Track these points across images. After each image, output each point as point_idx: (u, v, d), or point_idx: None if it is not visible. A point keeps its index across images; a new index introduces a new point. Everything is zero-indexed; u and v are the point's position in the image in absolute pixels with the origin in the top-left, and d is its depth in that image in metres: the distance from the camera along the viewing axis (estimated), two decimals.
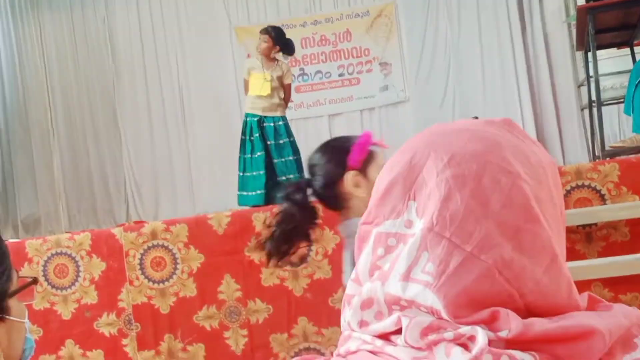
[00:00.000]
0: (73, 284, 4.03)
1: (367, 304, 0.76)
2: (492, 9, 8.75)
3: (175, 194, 9.13)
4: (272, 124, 6.17)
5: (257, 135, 6.13)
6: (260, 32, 6.33)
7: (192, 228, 3.95)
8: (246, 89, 6.37)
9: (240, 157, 6.28)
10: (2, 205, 8.72)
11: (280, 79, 6.23)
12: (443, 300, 0.71)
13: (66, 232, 5.97)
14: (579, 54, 7.00)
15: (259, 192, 6.06)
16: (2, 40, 9.07)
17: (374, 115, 9.10)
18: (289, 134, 6.25)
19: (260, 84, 6.16)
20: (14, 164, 8.97)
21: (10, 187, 8.87)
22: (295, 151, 6.26)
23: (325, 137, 8.88)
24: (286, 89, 6.31)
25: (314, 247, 3.80)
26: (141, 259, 3.96)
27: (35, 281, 1.24)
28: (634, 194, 3.46)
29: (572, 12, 7.31)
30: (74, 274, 4.03)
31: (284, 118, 6.26)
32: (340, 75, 9.15)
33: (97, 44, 9.33)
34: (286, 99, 6.33)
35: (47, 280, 4.05)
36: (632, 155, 4.02)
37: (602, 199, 3.43)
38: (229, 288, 3.87)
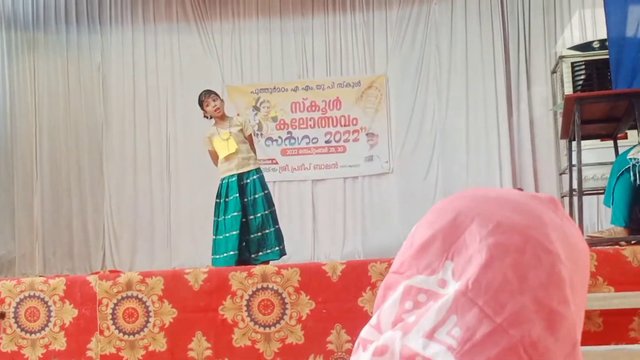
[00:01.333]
0: (43, 328, 3.99)
1: (380, 351, 0.74)
2: (481, 90, 8.91)
3: (153, 247, 9.09)
4: (248, 180, 6.23)
5: (235, 195, 6.17)
6: (205, 95, 6.40)
7: (168, 281, 3.95)
8: (214, 159, 6.44)
9: (214, 221, 6.33)
10: None
11: (241, 132, 6.32)
12: None
13: (40, 276, 5.92)
14: (563, 142, 7.11)
15: (231, 253, 6.08)
16: None
17: (357, 184, 9.15)
18: (264, 186, 6.32)
19: (225, 145, 6.24)
20: None
21: None
22: (270, 204, 6.31)
23: (308, 202, 8.99)
24: (249, 140, 6.39)
25: (288, 311, 3.80)
26: (114, 309, 3.94)
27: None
28: (609, 284, 3.50)
29: (559, 100, 7.45)
30: (45, 318, 4.00)
31: (258, 171, 6.34)
32: (327, 142, 9.23)
33: (89, 90, 9.38)
34: (253, 150, 6.40)
35: (17, 322, 4.01)
36: (609, 247, 4.07)
37: None
38: (199, 346, 3.85)
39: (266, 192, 6.32)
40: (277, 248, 6.16)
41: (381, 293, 0.81)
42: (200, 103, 6.45)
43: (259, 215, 6.20)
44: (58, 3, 9.46)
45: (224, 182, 6.31)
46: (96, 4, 9.49)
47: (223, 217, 6.23)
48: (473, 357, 0.70)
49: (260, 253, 6.15)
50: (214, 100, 6.32)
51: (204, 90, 6.56)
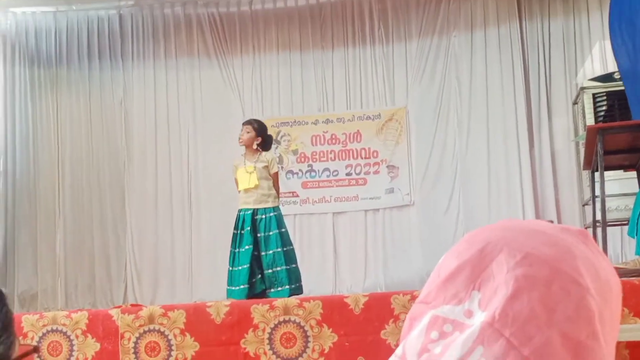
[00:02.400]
0: None
1: None
2: (502, 122, 8.89)
3: (174, 282, 9.10)
4: (263, 216, 6.25)
5: (248, 228, 6.21)
6: (243, 123, 6.51)
7: (190, 315, 3.94)
8: (238, 187, 6.51)
9: (231, 252, 6.36)
10: (1, 277, 8.67)
11: (266, 169, 6.36)
12: None
13: (62, 310, 5.93)
14: (585, 173, 7.08)
15: (242, 286, 6.09)
16: (18, 115, 9.20)
17: (378, 216, 9.13)
18: (280, 225, 6.32)
19: (247, 178, 6.30)
20: (17, 238, 8.97)
21: (10, 260, 8.84)
22: (285, 243, 6.31)
23: (329, 235, 8.97)
24: (274, 178, 6.42)
25: (310, 344, 3.78)
26: (136, 343, 3.94)
27: (36, 349, 1.25)
28: (635, 316, 3.45)
29: (581, 131, 7.43)
30: (68, 352, 4.00)
31: (275, 209, 6.36)
32: (347, 174, 9.23)
33: (111, 125, 9.47)
34: (276, 188, 6.43)
35: (39, 357, 4.01)
36: (634, 278, 4.02)
37: None
38: None
39: (282, 230, 6.33)
40: (287, 287, 6.14)
41: (407, 323, 0.80)
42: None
43: (270, 252, 6.21)
44: (81, 39, 9.59)
45: (240, 213, 6.35)
46: (118, 39, 9.61)
47: (238, 249, 6.26)
48: None
49: (272, 290, 6.16)
50: (247, 132, 6.42)
51: (248, 119, 6.77)
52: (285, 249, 6.29)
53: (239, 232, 6.32)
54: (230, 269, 6.32)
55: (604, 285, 0.75)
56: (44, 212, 9.17)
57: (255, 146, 6.44)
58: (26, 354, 1.22)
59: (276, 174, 6.50)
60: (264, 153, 6.55)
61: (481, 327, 0.71)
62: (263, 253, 6.20)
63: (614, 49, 5.63)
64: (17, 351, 1.19)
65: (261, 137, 6.51)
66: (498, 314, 0.70)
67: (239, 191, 6.49)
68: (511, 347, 0.70)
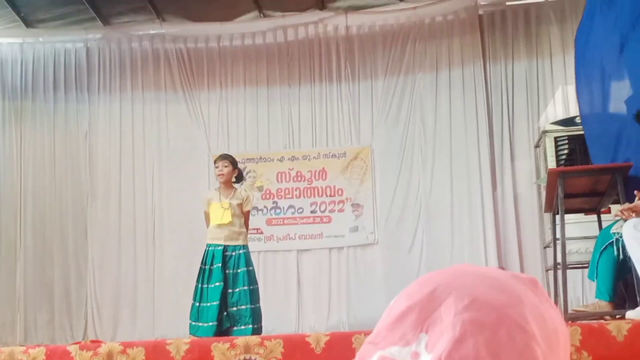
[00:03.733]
0: None
1: None
2: (465, 162, 8.96)
3: (136, 317, 8.99)
4: (233, 253, 6.22)
5: (219, 265, 6.17)
6: (218, 158, 6.50)
7: (149, 352, 3.89)
8: (207, 221, 6.47)
9: (197, 287, 6.30)
10: None
11: (240, 206, 6.34)
12: None
13: (21, 345, 5.82)
14: (547, 216, 7.15)
15: (210, 323, 6.05)
16: None
17: (342, 254, 9.13)
18: (248, 263, 6.30)
19: (221, 213, 6.27)
20: None
21: None
22: (252, 281, 6.27)
23: (293, 272, 8.95)
24: (245, 216, 6.40)
25: None
26: None
27: None
28: (594, 359, 3.47)
29: (543, 174, 7.52)
30: None
31: (244, 247, 6.33)
32: (312, 212, 9.24)
33: (75, 159, 9.39)
34: (246, 226, 6.41)
35: None
36: (594, 321, 4.06)
37: None
38: None
39: (250, 268, 6.30)
40: (250, 326, 6.10)
41: None
42: (214, 163, 6.59)
43: (237, 290, 6.18)
44: (47, 72, 9.55)
45: (209, 249, 6.30)
46: (85, 72, 9.58)
47: (206, 284, 6.20)
48: None
49: (235, 328, 6.11)
50: (224, 166, 6.40)
51: (221, 154, 6.75)
52: (251, 287, 6.26)
53: (207, 267, 6.26)
54: (197, 304, 6.24)
55: (550, 333, 0.76)
56: (4, 245, 9.05)
57: (233, 179, 6.45)
58: None
59: (248, 212, 6.49)
60: (239, 190, 6.53)
61: None
62: (230, 290, 6.16)
63: (577, 92, 5.73)
64: None
65: (237, 170, 6.53)
66: (444, 357, 0.71)
67: (209, 226, 6.47)
68: None
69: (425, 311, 0.76)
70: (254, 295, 6.26)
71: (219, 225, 6.28)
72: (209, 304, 6.11)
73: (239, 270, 6.21)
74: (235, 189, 6.51)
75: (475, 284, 0.76)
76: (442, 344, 0.72)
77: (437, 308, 0.75)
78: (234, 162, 6.51)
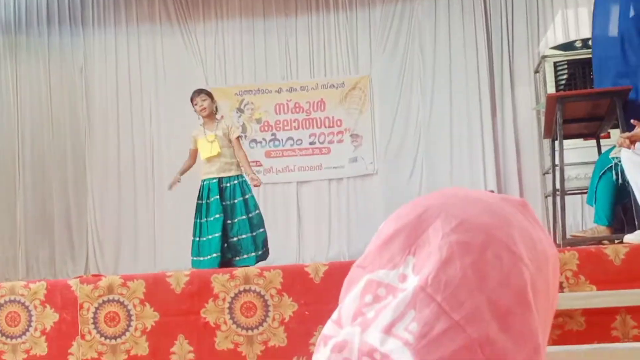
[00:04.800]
0: (24, 333, 3.94)
1: (338, 347, 0.73)
2: (465, 90, 8.92)
3: (137, 251, 9.05)
4: (228, 184, 6.21)
5: (216, 197, 6.16)
6: (194, 94, 6.42)
7: (150, 285, 3.91)
8: (192, 158, 6.42)
9: (195, 222, 6.31)
10: None
11: (226, 136, 6.31)
12: None
13: (22, 280, 5.86)
14: (546, 142, 7.13)
15: (214, 255, 6.07)
16: None
17: (342, 185, 9.14)
18: (243, 192, 6.27)
19: (209, 147, 6.24)
20: None
21: None
22: (249, 209, 6.27)
23: (293, 204, 8.97)
24: (235, 144, 6.35)
25: (270, 313, 3.78)
26: (95, 313, 3.90)
27: None
28: (591, 283, 3.49)
29: (542, 100, 7.46)
30: (26, 323, 3.95)
31: (239, 177, 6.31)
32: (311, 143, 9.21)
33: (72, 92, 9.33)
34: (239, 155, 6.34)
35: None
36: (592, 246, 4.07)
37: (560, 287, 3.45)
38: (182, 349, 3.81)
39: (246, 197, 6.28)
40: (252, 254, 6.11)
41: (345, 287, 0.80)
42: (191, 101, 6.46)
43: (235, 220, 6.18)
44: (40, 5, 9.41)
45: (204, 183, 6.30)
46: (78, 5, 9.45)
47: (205, 218, 6.21)
48: (429, 353, 0.69)
49: (237, 258, 6.13)
50: (203, 100, 6.32)
51: (196, 90, 6.59)
52: (249, 215, 6.25)
53: (204, 202, 6.26)
54: (197, 239, 6.25)
55: (539, 256, 0.74)
56: (4, 182, 9.03)
57: (214, 110, 6.40)
58: None
59: (237, 139, 6.43)
60: (222, 121, 6.51)
61: (414, 292, 0.71)
62: (229, 221, 6.17)
63: (594, 12, 5.60)
64: None
65: (215, 101, 6.50)
66: (431, 278, 0.70)
67: (192, 162, 6.47)
68: (442, 312, 0.70)
69: (413, 234, 0.74)
70: (252, 223, 6.25)
71: (209, 159, 6.26)
72: (210, 237, 6.13)
73: (235, 201, 6.21)
74: (217, 120, 6.48)
75: (463, 206, 0.75)
76: (429, 266, 0.71)
77: (424, 230, 0.74)
78: (210, 95, 6.47)
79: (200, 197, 6.32)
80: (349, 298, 0.76)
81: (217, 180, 6.21)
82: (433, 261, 0.71)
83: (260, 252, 6.20)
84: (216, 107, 6.52)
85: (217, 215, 6.14)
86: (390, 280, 0.74)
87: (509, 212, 0.76)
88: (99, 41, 9.46)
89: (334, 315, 0.78)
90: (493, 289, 0.70)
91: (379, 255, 0.76)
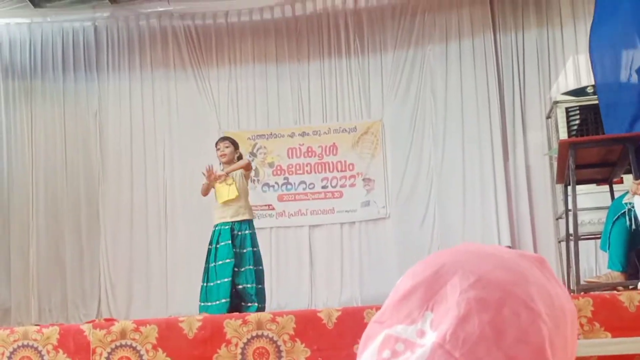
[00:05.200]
0: None
1: None
2: (477, 135, 8.93)
3: (149, 296, 9.03)
4: (239, 233, 6.22)
5: (227, 242, 6.15)
6: (219, 140, 6.54)
7: (162, 330, 3.90)
8: (203, 190, 6.51)
9: (205, 267, 6.30)
10: None
11: (242, 176, 6.38)
12: None
13: (35, 325, 5.86)
14: (559, 187, 7.12)
15: (222, 300, 6.04)
16: None
17: (354, 229, 9.13)
18: (254, 244, 6.29)
19: (227, 190, 6.28)
20: None
21: None
22: (257, 262, 6.28)
23: (305, 248, 8.97)
24: (242, 163, 6.42)
25: (283, 359, 3.76)
26: (108, 358, 3.89)
27: None
28: (606, 330, 3.47)
29: (554, 146, 7.48)
30: None
31: (251, 226, 6.32)
32: (323, 187, 9.23)
33: (86, 138, 9.40)
34: (245, 166, 6.46)
35: None
36: (606, 292, 4.05)
37: None
38: None
39: (255, 249, 6.30)
40: (255, 304, 6.11)
41: (363, 342, 0.81)
42: (215, 145, 6.64)
43: (243, 269, 6.18)
44: (55, 51, 9.54)
45: (216, 229, 6.31)
46: (93, 51, 9.56)
47: (214, 263, 6.21)
48: None
49: (245, 304, 6.12)
50: (226, 147, 6.46)
51: (222, 136, 6.87)
52: (256, 267, 6.26)
53: (214, 246, 6.27)
54: (205, 285, 6.26)
55: (557, 312, 0.75)
56: (17, 225, 9.07)
57: (234, 160, 6.46)
58: None
59: (248, 163, 6.56)
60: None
61: (432, 348, 0.71)
62: (236, 269, 6.17)
63: (592, 60, 5.67)
64: None
65: (238, 151, 6.56)
66: (449, 334, 0.71)
67: (205, 193, 6.51)
68: None
69: (430, 290, 0.75)
70: (258, 276, 6.26)
71: (226, 203, 6.29)
72: (219, 282, 6.12)
73: (244, 250, 6.22)
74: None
75: (480, 262, 0.76)
76: (446, 322, 0.71)
77: (442, 287, 0.75)
78: (234, 143, 6.55)
79: (211, 242, 6.34)
80: (367, 353, 0.77)
81: (229, 226, 6.23)
82: (451, 317, 0.71)
83: (261, 306, 6.19)
84: (239, 156, 6.57)
85: (228, 260, 6.13)
86: (408, 335, 0.75)
87: (525, 268, 0.77)
88: (114, 86, 9.56)
89: None
90: (511, 345, 0.70)
91: (397, 310, 0.77)
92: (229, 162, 6.43)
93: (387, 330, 0.77)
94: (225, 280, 6.07)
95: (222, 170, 6.47)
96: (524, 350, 0.70)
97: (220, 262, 6.15)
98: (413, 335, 0.74)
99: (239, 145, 6.65)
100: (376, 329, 0.79)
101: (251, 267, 6.19)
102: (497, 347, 0.70)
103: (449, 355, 0.70)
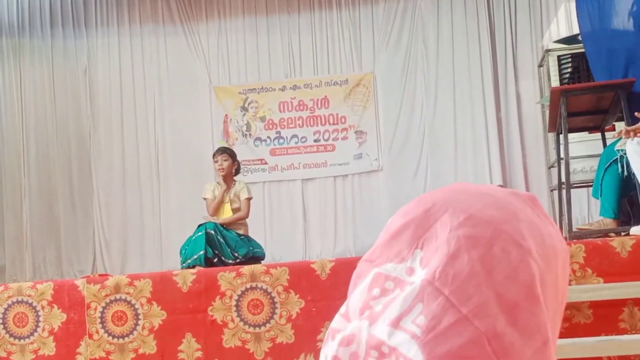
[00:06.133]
0: (32, 334, 3.97)
1: (346, 341, 0.74)
2: (469, 85, 8.91)
3: (144, 250, 9.05)
4: (229, 235, 6.00)
5: (212, 229, 5.91)
6: (217, 152, 6.38)
7: (157, 284, 3.93)
8: (208, 208, 6.31)
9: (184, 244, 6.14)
10: None
11: (237, 196, 6.23)
12: (426, 357, 0.69)
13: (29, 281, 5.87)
14: (551, 136, 7.12)
15: (201, 252, 5.84)
16: None
17: (347, 182, 9.14)
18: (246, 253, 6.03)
19: (221, 208, 6.20)
20: None
21: None
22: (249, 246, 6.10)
23: (298, 202, 8.96)
24: (243, 203, 6.26)
25: (277, 310, 3.79)
26: (102, 313, 3.92)
27: None
28: (599, 276, 3.49)
29: (546, 94, 7.45)
30: (34, 323, 3.97)
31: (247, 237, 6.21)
32: (315, 140, 9.21)
33: (76, 94, 9.34)
34: (242, 212, 6.25)
35: (5, 328, 3.99)
36: (599, 238, 4.07)
37: None
38: (189, 347, 3.83)
39: (242, 237, 6.13)
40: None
41: (353, 281, 0.80)
42: (213, 156, 6.49)
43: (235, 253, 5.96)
44: (43, 7, 9.42)
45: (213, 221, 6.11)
46: (81, 7, 9.45)
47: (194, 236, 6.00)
48: (436, 346, 0.69)
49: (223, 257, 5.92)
50: (224, 160, 6.26)
51: (220, 147, 6.70)
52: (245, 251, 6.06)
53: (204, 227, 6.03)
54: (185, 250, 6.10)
55: (548, 250, 0.75)
56: (9, 184, 9.05)
57: (232, 172, 6.34)
58: None
59: (247, 200, 6.30)
60: (237, 183, 6.39)
61: (421, 285, 0.71)
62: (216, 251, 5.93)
63: (577, 11, 5.62)
64: None
65: (237, 163, 6.43)
66: (439, 272, 0.71)
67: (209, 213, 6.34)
68: (450, 305, 0.70)
69: (420, 228, 0.75)
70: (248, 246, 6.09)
71: (219, 217, 6.20)
72: (194, 237, 5.94)
73: (236, 254, 5.95)
74: (235, 182, 6.39)
75: (471, 201, 0.75)
76: (436, 260, 0.71)
77: (432, 225, 0.75)
78: (232, 155, 6.40)
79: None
80: (357, 292, 0.77)
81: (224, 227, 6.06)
82: (441, 255, 0.71)
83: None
84: (237, 168, 6.44)
85: (200, 234, 5.91)
86: (398, 273, 0.75)
87: (517, 207, 0.76)
88: (102, 43, 9.47)
89: (342, 309, 0.78)
90: (500, 282, 0.70)
91: (387, 249, 0.77)
92: (227, 175, 6.30)
93: (376, 269, 0.77)
94: (199, 234, 5.87)
95: (219, 182, 6.34)
96: (513, 287, 0.70)
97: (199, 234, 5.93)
98: (402, 273, 0.74)
99: (234, 156, 6.42)
100: (366, 267, 0.79)
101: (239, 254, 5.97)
102: (487, 284, 0.70)
103: (438, 292, 0.70)
